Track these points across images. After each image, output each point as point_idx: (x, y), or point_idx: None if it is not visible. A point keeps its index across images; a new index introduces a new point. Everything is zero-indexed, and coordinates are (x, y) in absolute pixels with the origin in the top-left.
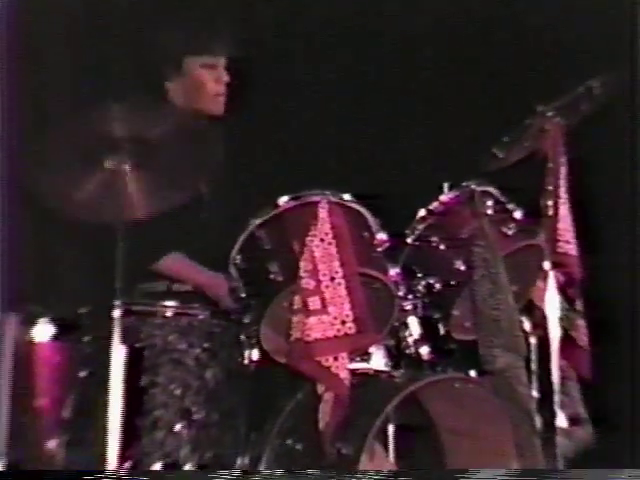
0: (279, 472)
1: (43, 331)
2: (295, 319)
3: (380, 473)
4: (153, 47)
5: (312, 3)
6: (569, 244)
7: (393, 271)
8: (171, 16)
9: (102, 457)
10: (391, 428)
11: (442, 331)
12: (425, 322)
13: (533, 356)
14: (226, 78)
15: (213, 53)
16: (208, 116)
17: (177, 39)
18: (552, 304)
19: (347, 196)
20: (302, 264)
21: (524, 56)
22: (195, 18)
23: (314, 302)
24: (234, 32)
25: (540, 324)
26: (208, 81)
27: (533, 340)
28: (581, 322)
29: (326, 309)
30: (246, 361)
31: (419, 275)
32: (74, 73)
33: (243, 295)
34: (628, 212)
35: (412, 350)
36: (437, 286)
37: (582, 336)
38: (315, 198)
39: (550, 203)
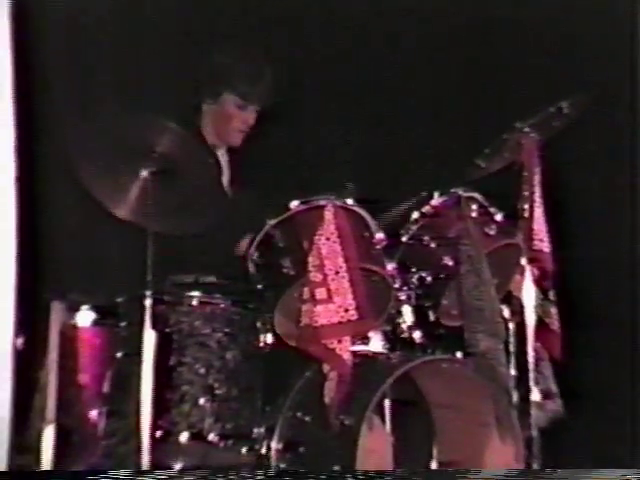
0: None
1: (85, 317)
2: (304, 307)
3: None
4: (204, 68)
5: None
6: (543, 242)
7: (390, 266)
8: (223, 45)
9: (137, 426)
10: (387, 402)
11: (432, 318)
12: (418, 310)
13: (511, 340)
14: (252, 122)
15: (248, 100)
16: (227, 144)
17: (223, 70)
18: (528, 294)
19: (350, 200)
20: (311, 260)
21: (503, 78)
22: (245, 60)
23: (321, 293)
24: (273, 85)
25: (518, 312)
26: (235, 118)
27: (511, 326)
28: (553, 310)
29: (331, 299)
30: (261, 344)
31: (413, 269)
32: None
33: (260, 286)
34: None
35: (406, 335)
36: (428, 279)
37: (554, 322)
38: (322, 202)
39: (526, 207)
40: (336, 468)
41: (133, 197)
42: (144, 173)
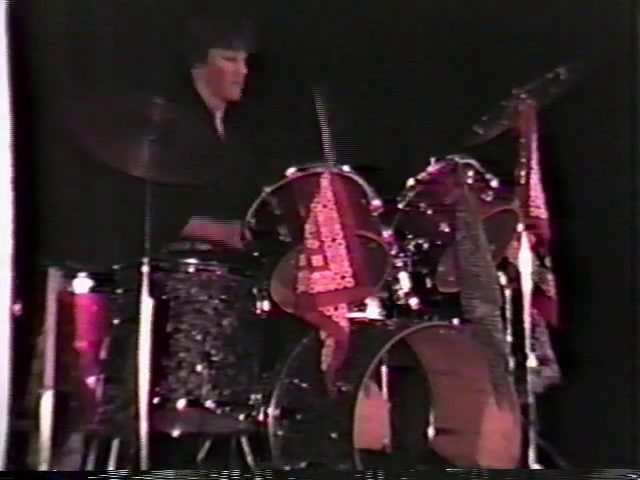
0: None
1: (82, 284)
2: (301, 275)
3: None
4: (184, 37)
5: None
6: (539, 209)
7: (386, 233)
8: (200, 10)
9: (134, 393)
10: (384, 369)
11: (429, 285)
12: (414, 277)
13: (508, 306)
14: (244, 70)
15: (234, 48)
16: (226, 100)
17: (204, 32)
18: (525, 261)
19: (346, 167)
20: (307, 227)
21: (501, 45)
22: (221, 13)
23: (317, 260)
24: (255, 29)
25: (514, 278)
26: (228, 71)
27: (508, 292)
28: (550, 276)
29: (328, 266)
30: (258, 311)
31: (409, 236)
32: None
33: (256, 253)
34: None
35: (403, 301)
36: (425, 246)
37: (550, 288)
38: (319, 169)
39: (523, 173)
40: (333, 435)
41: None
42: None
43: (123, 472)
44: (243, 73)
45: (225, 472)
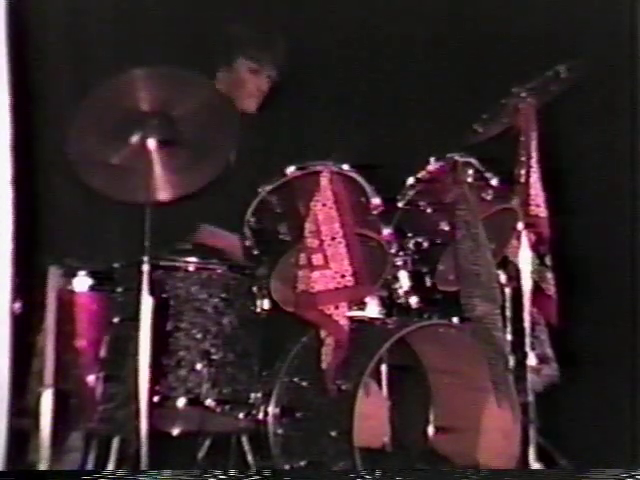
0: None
1: (82, 282)
2: (301, 273)
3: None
4: (216, 37)
5: None
6: (539, 207)
7: (386, 231)
8: (236, 14)
9: (134, 391)
10: (384, 367)
11: (429, 283)
12: (414, 275)
13: (507, 304)
14: (265, 87)
15: (262, 62)
16: (240, 110)
17: (237, 37)
18: (525, 260)
19: (346, 166)
20: (307, 225)
21: (501, 43)
22: (258, 25)
23: (317, 258)
24: (285, 48)
25: (514, 277)
26: (250, 84)
27: (508, 291)
28: (549, 275)
29: (328, 264)
30: (258, 309)
31: (409, 235)
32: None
33: (256, 252)
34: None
35: (402, 300)
36: (425, 244)
37: (550, 287)
38: (318, 168)
39: (523, 172)
40: (333, 434)
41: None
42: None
43: (122, 472)
44: (264, 90)
45: (218, 472)
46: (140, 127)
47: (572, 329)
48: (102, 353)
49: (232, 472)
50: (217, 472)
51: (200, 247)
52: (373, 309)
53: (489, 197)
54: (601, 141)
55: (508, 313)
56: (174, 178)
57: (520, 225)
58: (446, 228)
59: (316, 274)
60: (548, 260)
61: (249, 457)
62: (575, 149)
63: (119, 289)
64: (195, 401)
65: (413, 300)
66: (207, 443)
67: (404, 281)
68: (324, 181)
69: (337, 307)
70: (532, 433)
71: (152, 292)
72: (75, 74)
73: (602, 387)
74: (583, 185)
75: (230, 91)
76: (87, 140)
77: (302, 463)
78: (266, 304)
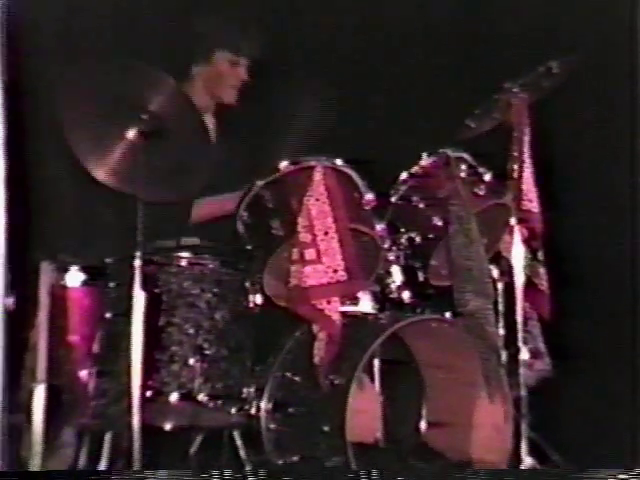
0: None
1: (74, 277)
2: (293, 268)
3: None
4: (191, 33)
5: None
6: (532, 202)
7: (379, 226)
8: (210, 9)
9: (127, 386)
10: (377, 362)
11: (421, 278)
12: (407, 270)
13: (500, 299)
14: (244, 76)
15: (240, 52)
16: (220, 102)
17: (214, 32)
18: (517, 255)
19: (339, 161)
20: (300, 220)
21: (494, 39)
22: (231, 17)
23: (310, 253)
24: (261, 36)
25: (506, 272)
26: (229, 75)
27: (500, 286)
28: (542, 270)
29: (320, 259)
30: (251, 304)
31: (402, 230)
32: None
33: (249, 247)
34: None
35: (395, 295)
36: (417, 239)
37: (543, 282)
38: (312, 163)
39: (515, 167)
40: (326, 429)
41: (118, 161)
42: (131, 134)
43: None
44: (243, 79)
45: (216, 472)
46: (133, 123)
47: (564, 324)
48: (95, 348)
49: (227, 473)
50: (214, 473)
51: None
52: (366, 304)
53: (482, 192)
54: (594, 136)
55: (501, 308)
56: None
57: (513, 220)
58: (439, 223)
59: (309, 269)
60: (540, 255)
61: (242, 452)
62: (567, 144)
63: (112, 284)
64: (188, 396)
65: (406, 295)
66: (199, 438)
67: (397, 276)
68: (317, 176)
69: (330, 302)
70: (524, 428)
71: (145, 287)
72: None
73: (594, 381)
74: (576, 180)
75: (209, 85)
76: (84, 130)
77: (295, 458)
78: (259, 299)
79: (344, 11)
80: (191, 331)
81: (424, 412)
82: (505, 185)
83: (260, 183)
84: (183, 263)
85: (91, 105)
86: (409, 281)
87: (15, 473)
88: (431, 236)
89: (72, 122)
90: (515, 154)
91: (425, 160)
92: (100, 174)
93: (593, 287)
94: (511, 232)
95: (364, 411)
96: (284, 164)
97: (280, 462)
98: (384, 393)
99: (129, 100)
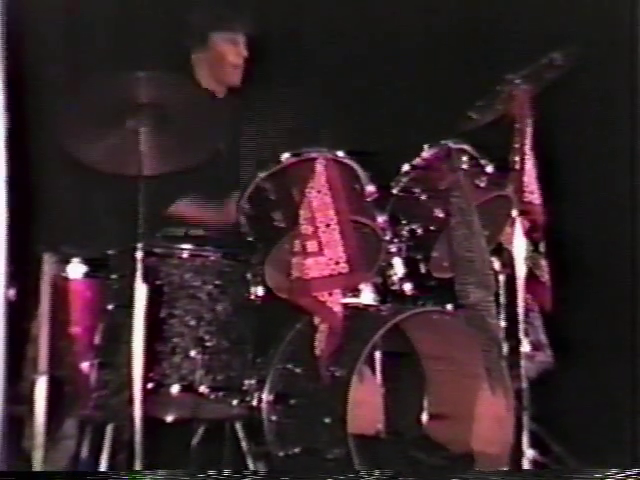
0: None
1: (76, 269)
2: (295, 260)
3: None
4: (184, 22)
5: None
6: (533, 194)
7: (381, 218)
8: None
9: (129, 378)
10: (378, 354)
11: (423, 270)
12: (408, 262)
13: (501, 291)
14: (244, 53)
15: (235, 30)
16: (226, 86)
17: (205, 17)
18: (519, 246)
19: (341, 153)
20: (301, 212)
21: (496, 30)
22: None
23: (312, 245)
24: (254, 12)
25: (508, 264)
26: (229, 54)
27: (502, 277)
28: (543, 262)
29: (322, 251)
30: (252, 296)
31: (403, 222)
32: (107, 40)
33: (250, 239)
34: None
35: (397, 287)
36: (419, 231)
37: (544, 274)
38: (313, 155)
39: (517, 159)
40: (327, 420)
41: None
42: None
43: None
44: (244, 55)
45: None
46: (132, 115)
47: (566, 316)
48: (96, 340)
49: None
50: (211, 472)
51: (194, 233)
52: (367, 296)
53: (483, 184)
54: (595, 128)
55: (502, 300)
56: (162, 156)
57: (514, 212)
58: (440, 215)
59: (310, 261)
60: (542, 247)
61: (243, 444)
62: (569, 136)
63: (113, 276)
64: (189, 388)
65: (407, 287)
66: (201, 430)
67: (398, 268)
68: (319, 168)
69: (331, 294)
70: (526, 420)
71: (146, 279)
72: (70, 66)
73: (596, 373)
74: (577, 172)
75: (211, 68)
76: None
77: (296, 450)
78: (260, 291)
79: (351, 3)
80: (192, 323)
81: (425, 404)
82: (507, 177)
83: (262, 175)
84: (185, 255)
85: (91, 99)
86: (411, 273)
87: (15, 473)
88: (433, 228)
89: (71, 117)
90: (517, 146)
91: (427, 152)
92: (99, 156)
93: (595, 279)
94: (512, 224)
95: (365, 403)
96: (285, 156)
97: (281, 454)
98: (385, 385)
99: (129, 93)
